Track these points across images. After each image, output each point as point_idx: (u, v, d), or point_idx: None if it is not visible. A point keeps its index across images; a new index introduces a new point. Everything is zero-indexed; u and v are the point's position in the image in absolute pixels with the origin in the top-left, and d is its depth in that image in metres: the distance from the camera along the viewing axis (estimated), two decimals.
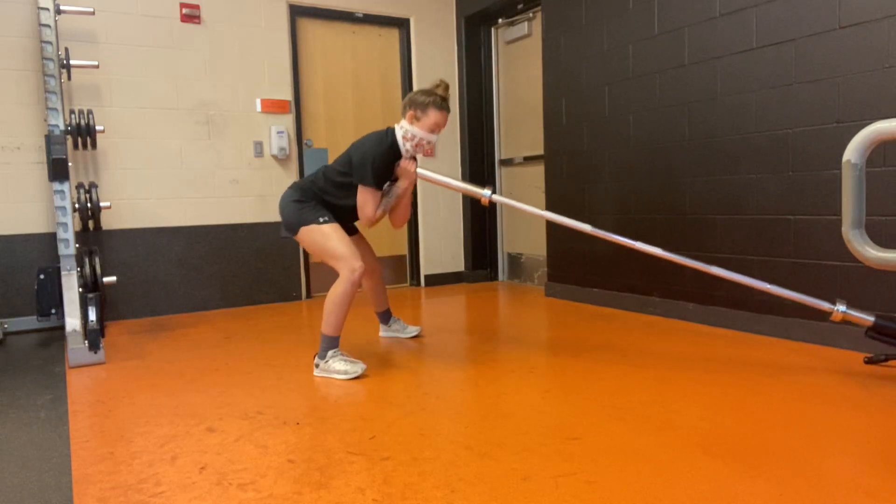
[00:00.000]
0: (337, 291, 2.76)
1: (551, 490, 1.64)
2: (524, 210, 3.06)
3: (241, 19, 4.60)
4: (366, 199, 2.86)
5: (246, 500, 1.64)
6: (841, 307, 2.54)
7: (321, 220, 2.84)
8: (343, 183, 2.91)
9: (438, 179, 3.04)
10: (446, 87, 2.94)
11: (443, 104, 2.89)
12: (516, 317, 4.02)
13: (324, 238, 2.82)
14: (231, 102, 4.59)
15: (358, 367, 2.75)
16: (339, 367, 2.75)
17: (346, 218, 2.99)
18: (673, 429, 2.03)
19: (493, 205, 5.58)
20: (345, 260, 2.76)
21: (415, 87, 5.31)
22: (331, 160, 5.02)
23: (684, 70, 3.58)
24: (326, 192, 2.93)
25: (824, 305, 2.58)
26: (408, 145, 2.89)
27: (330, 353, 2.79)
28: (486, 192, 2.96)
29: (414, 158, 2.96)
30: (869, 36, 2.77)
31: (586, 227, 2.90)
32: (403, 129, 2.89)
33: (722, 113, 3.40)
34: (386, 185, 2.97)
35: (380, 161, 2.84)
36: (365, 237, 3.30)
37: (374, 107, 5.27)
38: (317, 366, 2.81)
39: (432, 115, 2.86)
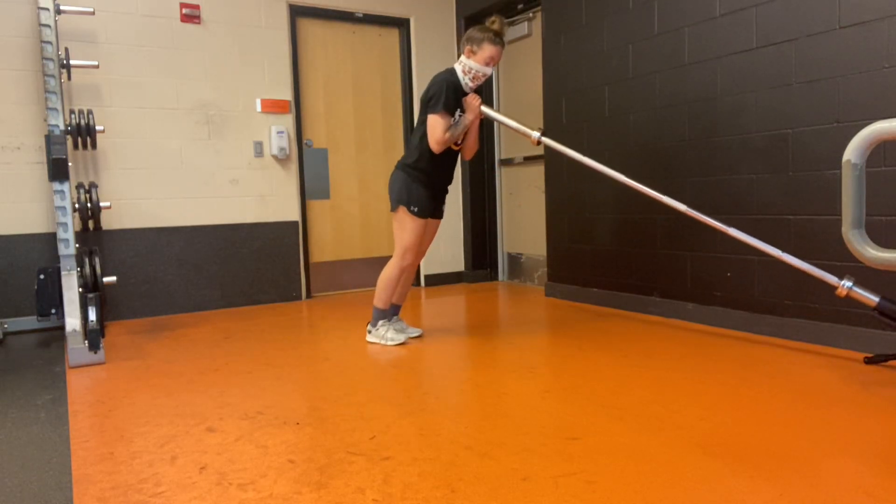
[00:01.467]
0: (388, 273, 3.26)
1: (551, 490, 1.64)
2: (573, 156, 3.24)
3: (241, 19, 4.60)
4: (436, 123, 3.11)
5: (246, 500, 1.64)
6: (847, 283, 2.57)
7: (412, 208, 3.19)
8: (421, 147, 3.18)
9: (497, 117, 3.28)
10: (501, 22, 3.16)
11: (496, 39, 3.11)
12: (516, 317, 4.02)
13: (405, 225, 3.22)
14: (231, 102, 4.59)
15: (402, 336, 3.30)
16: (387, 334, 3.30)
17: (438, 182, 3.29)
18: (673, 429, 2.03)
19: (493, 203, 5.59)
20: (406, 251, 3.23)
21: (415, 88, 5.31)
22: (330, 160, 5.07)
23: (684, 70, 3.58)
24: (414, 160, 3.19)
25: (832, 279, 2.60)
26: (467, 79, 3.17)
27: (381, 322, 3.32)
28: (536, 133, 3.20)
29: (478, 93, 3.22)
30: (869, 36, 2.77)
31: (620, 176, 3.14)
32: (462, 63, 3.17)
33: (722, 113, 3.40)
34: (456, 116, 3.18)
35: (449, 89, 3.10)
36: (439, 223, 3.51)
37: (374, 107, 5.27)
38: (369, 332, 3.36)
39: (487, 49, 3.10)
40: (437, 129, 3.11)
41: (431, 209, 3.30)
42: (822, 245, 2.99)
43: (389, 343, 3.26)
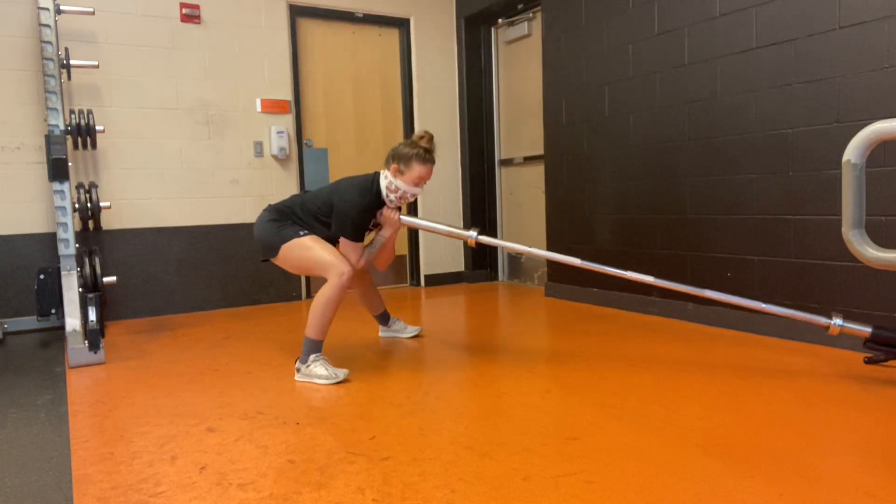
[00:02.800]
0: (325, 295, 2.69)
1: (551, 490, 1.64)
2: (512, 248, 3.02)
3: (240, 19, 4.60)
4: (348, 251, 2.82)
5: (246, 500, 1.64)
6: (837, 321, 2.52)
7: (301, 233, 2.80)
8: (325, 222, 2.86)
9: (423, 225, 3.00)
10: (430, 139, 2.86)
11: (426, 156, 2.81)
12: (516, 317, 4.02)
13: (306, 250, 2.76)
14: (231, 102, 4.59)
15: (340, 373, 2.68)
16: (320, 371, 2.67)
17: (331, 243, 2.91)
18: (673, 429, 2.03)
19: (493, 203, 5.59)
20: (332, 266, 2.70)
21: (415, 88, 5.31)
22: (330, 160, 5.07)
23: (684, 70, 3.58)
24: (307, 224, 2.86)
25: (821, 321, 2.56)
26: (392, 196, 2.84)
27: (312, 357, 2.71)
28: (472, 233, 2.92)
29: (398, 207, 2.93)
30: (869, 36, 2.77)
31: (575, 261, 2.86)
32: (387, 180, 2.83)
33: (722, 113, 3.40)
34: (371, 241, 2.94)
35: (361, 216, 2.80)
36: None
37: (373, 107, 5.27)
38: (298, 370, 2.74)
39: (416, 169, 2.79)
40: (351, 255, 2.80)
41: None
42: (822, 245, 2.99)
43: (324, 382, 2.65)
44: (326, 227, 2.86)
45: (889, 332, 2.49)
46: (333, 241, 2.88)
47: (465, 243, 5.57)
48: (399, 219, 2.91)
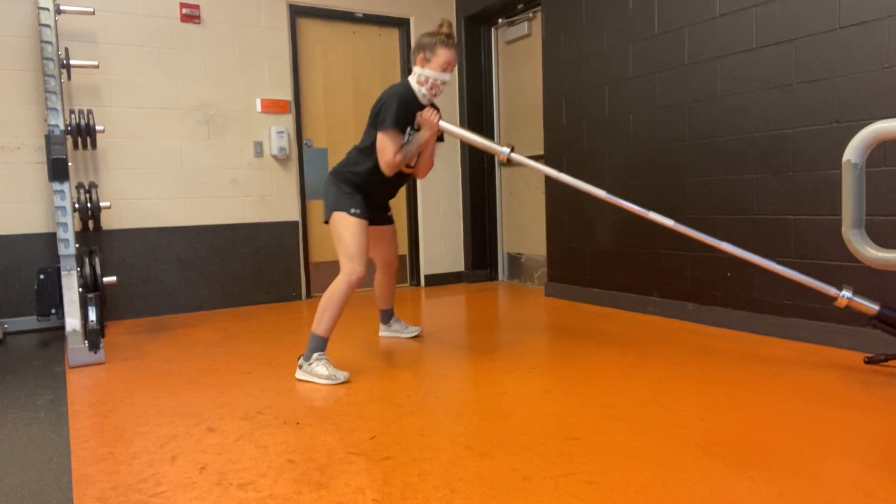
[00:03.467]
0: (334, 290, 2.74)
1: (551, 490, 1.64)
2: (542, 171, 3.06)
3: (241, 19, 4.60)
4: (385, 144, 2.81)
5: (246, 500, 1.64)
6: (846, 293, 2.54)
7: (352, 211, 2.83)
8: (369, 151, 2.89)
9: (459, 133, 2.99)
10: (450, 25, 2.92)
11: (448, 41, 2.85)
12: (516, 317, 4.02)
13: (346, 229, 2.81)
14: (231, 102, 4.59)
15: (340, 376, 2.68)
16: (321, 371, 2.69)
17: (379, 194, 3.02)
18: (673, 428, 2.03)
19: (493, 203, 5.59)
20: (352, 261, 2.75)
21: None
22: (330, 160, 5.07)
23: (684, 70, 3.58)
24: (357, 166, 2.91)
25: (830, 290, 2.58)
26: (423, 89, 2.87)
27: (315, 355, 2.73)
28: (506, 149, 2.93)
29: (434, 108, 2.93)
30: (869, 36, 2.77)
31: (600, 193, 2.98)
32: (416, 74, 2.87)
33: (722, 113, 3.40)
34: (408, 133, 2.90)
35: (400, 105, 2.80)
36: (395, 230, 3.30)
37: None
38: (300, 367, 2.76)
39: (442, 54, 2.82)
40: (387, 150, 2.81)
41: (372, 215, 2.98)
42: (822, 245, 2.99)
43: (324, 382, 2.67)
44: (373, 159, 2.88)
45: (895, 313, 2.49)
46: (384, 195, 3.03)
47: (465, 242, 5.59)
48: (438, 122, 2.90)
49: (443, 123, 2.92)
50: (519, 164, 3.05)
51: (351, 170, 2.92)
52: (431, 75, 2.84)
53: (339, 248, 2.82)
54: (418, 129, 2.92)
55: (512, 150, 2.94)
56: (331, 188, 2.92)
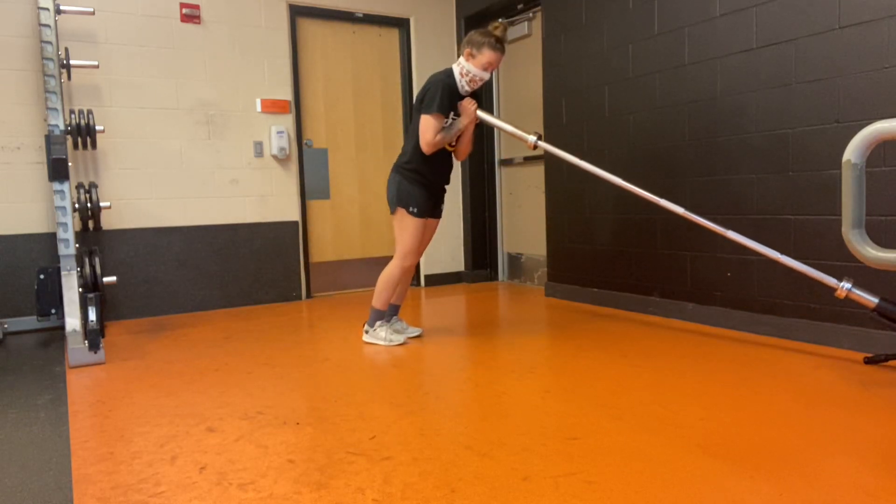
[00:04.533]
0: (389, 273, 3.24)
1: (551, 490, 1.64)
2: (571, 160, 3.25)
3: (240, 19, 4.60)
4: (428, 125, 3.09)
5: (246, 500, 1.64)
6: (846, 284, 2.56)
7: (411, 209, 3.18)
8: (414, 152, 3.18)
9: (493, 121, 3.25)
10: (504, 28, 3.17)
11: (497, 45, 3.08)
12: (516, 317, 4.02)
13: (405, 227, 3.21)
14: (231, 102, 4.59)
15: (400, 337, 3.29)
16: (384, 335, 3.28)
17: (435, 180, 3.30)
18: (673, 428, 2.03)
19: (493, 203, 5.59)
20: (406, 254, 3.22)
21: (414, 88, 5.31)
22: (330, 160, 5.07)
23: (684, 70, 3.58)
24: (411, 156, 3.18)
25: (830, 281, 2.60)
26: (463, 81, 3.14)
27: (378, 323, 3.31)
28: (533, 137, 3.20)
29: (474, 97, 3.21)
30: (869, 36, 2.77)
31: (616, 179, 3.15)
32: (460, 66, 3.13)
33: (722, 113, 3.40)
34: (451, 118, 3.16)
35: (445, 92, 3.08)
36: (438, 223, 3.49)
37: (374, 107, 5.27)
38: (366, 332, 3.34)
39: (486, 54, 3.07)
40: (428, 130, 3.09)
41: (430, 209, 3.30)
42: (822, 245, 2.99)
43: (388, 343, 3.25)
44: (412, 164, 3.20)
45: (895, 306, 2.49)
46: (441, 179, 3.33)
47: (465, 242, 5.59)
48: (475, 110, 3.19)
49: (480, 113, 3.21)
50: (546, 151, 3.37)
51: (403, 161, 3.22)
52: (473, 71, 3.11)
53: (399, 239, 3.24)
54: (458, 116, 3.19)
55: (539, 138, 3.21)
56: (392, 183, 3.24)
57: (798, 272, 2.76)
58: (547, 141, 4.62)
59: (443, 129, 3.13)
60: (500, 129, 3.30)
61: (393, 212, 3.24)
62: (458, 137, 3.26)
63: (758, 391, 2.38)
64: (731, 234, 2.83)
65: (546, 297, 4.70)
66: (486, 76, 3.13)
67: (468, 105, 3.17)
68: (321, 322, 4.05)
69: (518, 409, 2.27)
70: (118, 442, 2.08)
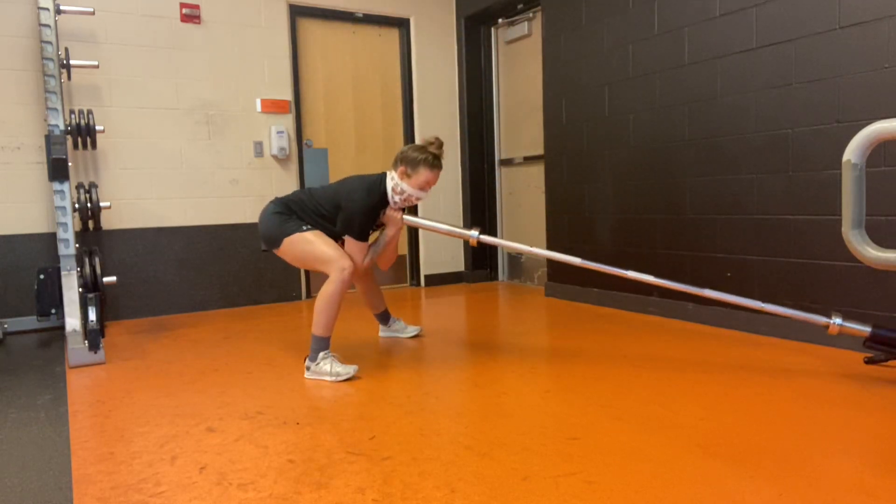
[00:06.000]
0: (327, 291, 2.74)
1: (551, 490, 1.64)
2: (512, 248, 3.08)
3: (241, 19, 4.60)
4: (353, 251, 2.86)
5: (246, 500, 1.64)
6: (837, 320, 2.52)
7: (304, 228, 2.83)
8: (329, 218, 2.90)
9: (426, 224, 3.04)
10: (440, 145, 2.92)
11: (435, 162, 2.87)
12: (516, 317, 4.02)
13: (308, 244, 2.79)
14: (231, 102, 4.59)
15: (350, 370, 2.70)
16: (329, 368, 2.71)
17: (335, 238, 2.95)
18: (673, 429, 2.03)
19: (493, 203, 5.59)
20: (333, 261, 2.74)
21: (415, 88, 5.31)
22: (330, 160, 5.07)
23: (684, 70, 3.58)
24: (311, 220, 2.88)
25: (820, 320, 2.56)
26: (396, 198, 2.90)
27: (321, 354, 2.75)
28: (474, 233, 2.95)
29: (402, 208, 2.98)
30: (869, 36, 2.77)
31: (575, 260, 2.90)
32: (394, 181, 2.88)
33: (722, 113, 3.40)
34: (379, 234, 3.00)
35: (367, 215, 2.84)
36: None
37: (374, 107, 5.27)
38: (308, 368, 2.77)
39: (423, 174, 2.86)
40: (357, 255, 2.86)
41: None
42: (822, 245, 2.99)
43: (334, 379, 2.68)
44: (331, 223, 2.90)
45: (888, 332, 2.49)
46: (336, 238, 2.91)
47: (466, 242, 5.59)
48: (402, 218, 2.96)
49: (407, 218, 2.99)
50: (489, 244, 3.03)
51: (305, 212, 2.89)
52: (408, 190, 2.88)
53: (313, 261, 2.81)
54: (383, 227, 2.99)
55: (480, 233, 2.96)
56: (274, 218, 2.86)
57: (786, 317, 2.67)
58: (547, 142, 4.65)
59: (370, 247, 2.96)
60: (433, 230, 3.04)
61: (278, 246, 2.85)
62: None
63: (758, 391, 2.38)
64: (708, 293, 2.70)
65: (546, 297, 4.70)
66: (424, 195, 2.91)
67: (394, 215, 2.94)
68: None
69: (518, 409, 2.27)
70: (118, 442, 2.08)
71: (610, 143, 4.11)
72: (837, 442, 1.89)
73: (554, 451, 1.88)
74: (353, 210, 2.82)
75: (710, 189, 3.49)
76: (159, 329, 3.96)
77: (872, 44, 2.76)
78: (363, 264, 2.90)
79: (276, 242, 2.85)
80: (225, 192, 4.60)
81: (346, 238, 2.87)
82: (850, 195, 2.44)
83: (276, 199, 2.96)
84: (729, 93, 3.35)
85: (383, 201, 2.91)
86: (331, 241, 2.82)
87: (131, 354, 3.30)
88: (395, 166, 2.90)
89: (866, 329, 2.51)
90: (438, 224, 3.05)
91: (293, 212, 2.89)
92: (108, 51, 4.19)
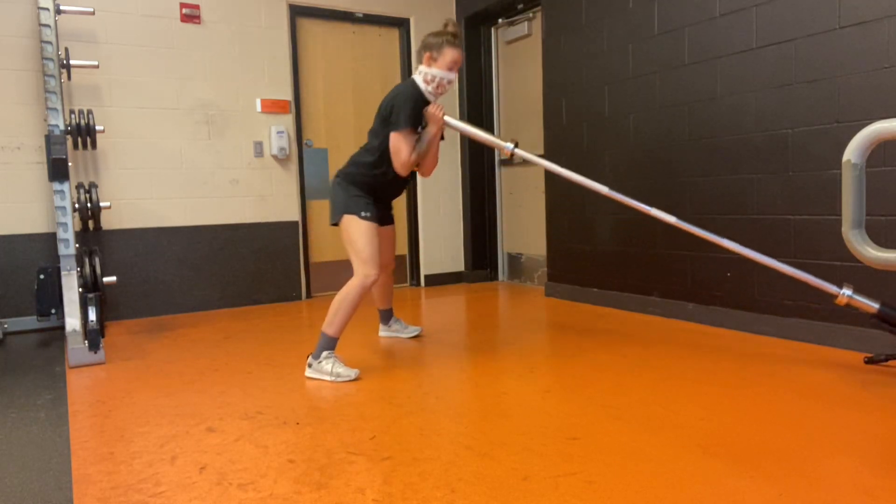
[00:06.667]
0: (347, 293, 2.76)
1: (551, 490, 1.64)
2: (545, 166, 3.06)
3: (241, 19, 4.60)
4: (400, 145, 2.86)
5: (246, 500, 1.64)
6: (847, 291, 2.55)
7: (363, 214, 2.86)
8: (377, 163, 2.92)
9: (463, 127, 3.04)
10: (455, 24, 2.97)
11: (455, 41, 2.92)
12: (516, 317, 4.02)
13: (357, 233, 2.84)
14: (231, 102, 4.59)
15: (351, 373, 2.71)
16: (331, 368, 2.72)
17: (386, 194, 3.06)
18: (673, 428, 2.03)
19: (493, 203, 5.59)
20: (365, 264, 2.78)
21: None
22: (330, 160, 5.07)
23: (684, 70, 3.58)
24: (365, 167, 2.93)
25: (830, 288, 2.59)
26: (429, 88, 2.91)
27: (325, 353, 2.76)
28: (509, 145, 2.96)
29: (440, 105, 3.00)
30: (869, 36, 2.77)
31: (603, 189, 2.97)
32: (422, 73, 2.91)
33: (722, 113, 3.40)
34: (419, 132, 2.97)
35: (412, 106, 2.86)
36: (394, 229, 3.31)
37: (374, 107, 5.21)
38: (309, 365, 2.78)
39: (448, 53, 2.89)
40: (402, 151, 2.85)
41: (379, 215, 2.99)
42: (822, 245, 2.99)
43: (334, 380, 2.70)
44: (379, 168, 2.93)
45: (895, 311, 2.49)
46: (391, 194, 3.05)
47: (465, 242, 5.59)
48: (443, 116, 2.95)
49: (447, 118, 2.96)
50: (522, 160, 3.04)
51: (360, 171, 2.94)
52: (438, 74, 2.89)
53: (352, 251, 2.84)
54: (425, 126, 2.97)
55: (516, 146, 2.96)
56: (339, 190, 2.93)
57: (798, 279, 2.73)
58: (547, 142, 4.65)
59: (415, 144, 2.92)
60: (471, 135, 3.04)
61: (337, 221, 2.91)
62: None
63: (758, 391, 2.38)
64: (727, 243, 2.76)
65: (546, 297, 4.70)
66: (453, 77, 2.92)
67: (435, 110, 2.92)
68: (321, 322, 4.02)
69: (518, 409, 2.27)
70: (118, 442, 2.08)
71: (610, 143, 4.11)
72: (837, 442, 1.89)
73: (554, 451, 1.88)
74: (399, 103, 2.85)
75: (710, 189, 3.49)
76: (159, 329, 3.96)
77: (872, 44, 2.76)
78: (410, 159, 2.89)
79: (338, 216, 2.91)
80: (225, 192, 4.60)
81: (394, 134, 2.85)
82: (850, 195, 2.44)
83: (339, 171, 3.01)
84: (729, 93, 3.35)
85: (421, 97, 2.92)
86: (375, 242, 2.85)
87: (131, 354, 3.30)
88: (419, 58, 2.96)
89: (874, 305, 2.50)
90: (476, 129, 3.05)
91: (353, 181, 2.93)
92: (108, 51, 4.19)
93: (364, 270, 2.77)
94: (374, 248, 2.82)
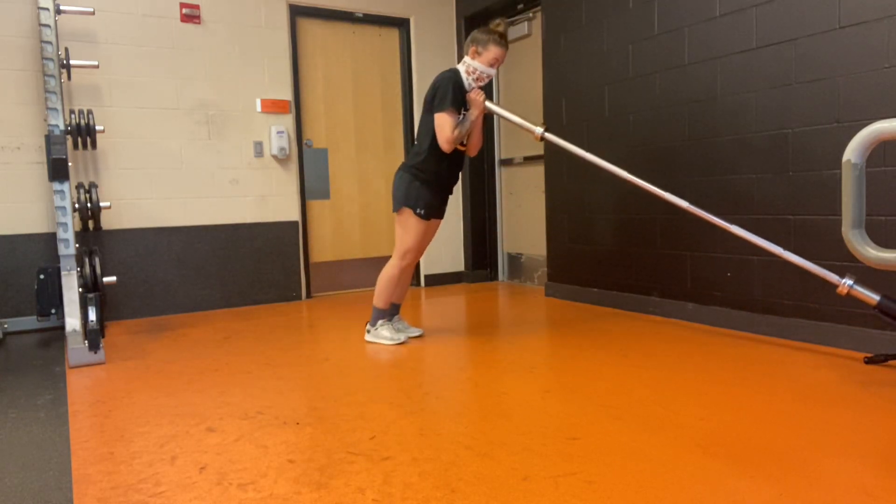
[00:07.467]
0: (388, 273, 3.29)
1: (551, 490, 1.64)
2: (577, 152, 3.26)
3: (240, 19, 4.60)
4: (444, 122, 3.12)
5: (246, 500, 1.64)
6: (848, 281, 2.56)
7: (418, 210, 3.20)
8: (428, 138, 3.18)
9: (501, 112, 3.30)
10: (506, 25, 3.24)
11: (501, 41, 3.17)
12: (516, 317, 4.02)
13: (409, 225, 3.23)
14: (231, 102, 4.59)
15: (402, 336, 3.32)
16: (386, 333, 3.32)
17: (445, 180, 3.30)
18: (673, 428, 2.03)
19: (492, 203, 5.59)
20: (407, 253, 3.25)
21: (415, 88, 5.31)
22: (330, 160, 5.07)
23: (684, 70, 3.58)
24: (421, 156, 3.20)
25: (832, 277, 2.60)
26: (470, 78, 3.19)
27: (380, 322, 3.35)
28: (539, 129, 3.24)
29: (480, 90, 3.25)
30: (869, 36, 2.77)
31: (623, 173, 3.17)
32: (466, 64, 3.20)
33: (722, 113, 3.40)
34: (461, 115, 3.20)
35: (455, 88, 3.13)
36: (440, 223, 3.50)
37: (374, 107, 5.27)
38: (368, 331, 3.38)
39: (493, 50, 3.15)
40: (445, 127, 3.11)
41: (436, 210, 3.30)
42: (822, 245, 2.99)
43: (389, 342, 3.28)
44: (428, 162, 3.20)
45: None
46: (451, 180, 3.32)
47: (465, 242, 5.59)
48: (484, 101, 3.22)
49: (488, 104, 3.24)
50: (552, 144, 3.34)
51: (417, 161, 3.22)
52: (479, 68, 3.17)
53: (401, 238, 3.26)
54: (467, 110, 3.23)
55: (546, 131, 3.25)
56: (401, 182, 3.24)
57: (800, 268, 2.75)
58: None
59: (458, 124, 3.16)
60: (508, 119, 3.31)
61: (397, 210, 3.25)
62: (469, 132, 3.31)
63: (758, 391, 2.38)
64: (736, 229, 2.84)
65: (546, 297, 4.70)
66: (493, 72, 3.20)
67: (476, 96, 3.20)
68: (321, 322, 4.05)
69: (518, 409, 2.27)
70: (118, 442, 2.08)
71: (610, 143, 4.11)
72: (837, 442, 1.89)
73: (554, 451, 1.88)
74: (443, 87, 3.12)
75: (710, 189, 3.49)
76: (159, 329, 3.96)
77: (872, 44, 2.76)
78: (454, 136, 3.13)
79: (398, 206, 3.25)
80: (225, 192, 4.60)
81: (438, 114, 3.12)
82: (850, 195, 2.44)
83: (402, 164, 3.32)
84: (729, 93, 3.35)
85: (462, 84, 3.18)
86: (422, 238, 3.26)
87: (131, 354, 3.30)
88: (465, 50, 3.22)
89: (874, 297, 2.51)
90: (511, 115, 3.29)
91: (416, 173, 3.21)
92: (108, 51, 4.19)
93: (402, 256, 3.26)
94: (417, 241, 3.26)
